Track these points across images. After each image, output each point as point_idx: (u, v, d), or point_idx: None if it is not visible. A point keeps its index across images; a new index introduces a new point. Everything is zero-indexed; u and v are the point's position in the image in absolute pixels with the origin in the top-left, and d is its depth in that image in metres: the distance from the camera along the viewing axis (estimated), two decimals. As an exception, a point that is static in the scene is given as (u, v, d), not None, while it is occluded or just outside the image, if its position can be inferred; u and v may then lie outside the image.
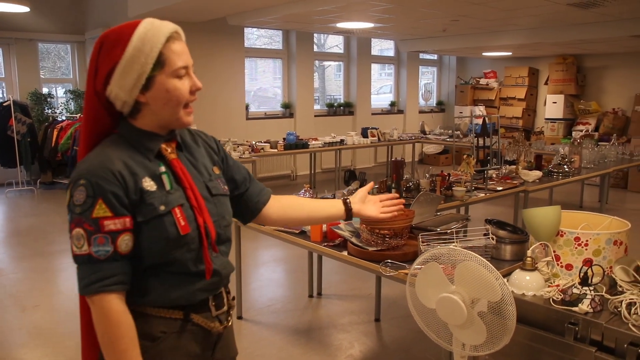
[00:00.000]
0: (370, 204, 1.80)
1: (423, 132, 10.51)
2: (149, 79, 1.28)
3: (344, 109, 10.67)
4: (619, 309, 1.97)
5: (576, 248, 2.24)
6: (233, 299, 1.56)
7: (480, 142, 4.98)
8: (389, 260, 2.59)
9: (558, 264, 2.29)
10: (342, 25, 7.77)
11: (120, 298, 1.27)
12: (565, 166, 5.47)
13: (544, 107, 10.99)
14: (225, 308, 1.49)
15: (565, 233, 2.27)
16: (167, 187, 1.33)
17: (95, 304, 1.25)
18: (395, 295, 4.18)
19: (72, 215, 1.25)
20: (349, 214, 1.76)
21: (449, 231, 2.73)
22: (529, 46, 9.14)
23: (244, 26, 8.50)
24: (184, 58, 1.32)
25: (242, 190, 1.62)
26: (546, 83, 11.02)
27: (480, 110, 11.35)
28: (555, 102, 10.61)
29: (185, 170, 1.39)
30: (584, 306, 2.00)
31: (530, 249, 2.28)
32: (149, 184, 1.30)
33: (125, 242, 1.26)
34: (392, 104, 11.87)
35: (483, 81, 11.85)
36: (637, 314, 1.91)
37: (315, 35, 10.04)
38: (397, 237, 2.73)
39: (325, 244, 2.97)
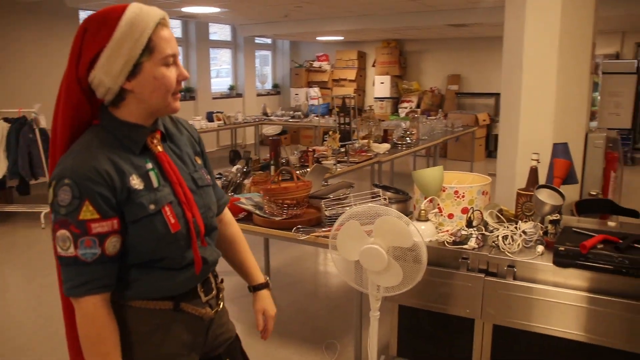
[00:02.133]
0: (259, 314, 1.70)
1: (265, 114, 10.84)
2: (137, 65, 1.22)
3: (185, 94, 10.59)
4: (496, 242, 2.49)
5: (456, 200, 2.74)
6: (221, 281, 1.56)
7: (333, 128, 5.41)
8: (300, 226, 2.87)
9: (442, 215, 2.77)
10: (187, 9, 7.74)
11: (106, 300, 1.26)
12: (407, 138, 6.20)
13: (373, 87, 11.99)
14: (214, 292, 1.49)
15: (446, 188, 2.75)
16: (155, 184, 1.29)
17: (81, 306, 1.23)
18: (279, 264, 4.48)
19: (57, 216, 1.20)
20: (259, 287, 1.69)
21: (344, 196, 3.10)
22: (358, 31, 9.91)
23: (79, 8, 8.02)
24: (172, 46, 1.27)
25: None
26: (374, 65, 12.02)
27: (314, 91, 12.01)
28: (383, 83, 11.65)
29: (172, 163, 1.35)
30: (472, 243, 2.49)
31: (423, 203, 2.73)
32: (136, 182, 1.26)
33: (112, 244, 1.23)
34: (231, 88, 12.02)
35: (316, 64, 12.52)
36: (510, 243, 2.44)
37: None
38: (298, 205, 3.02)
39: (231, 218, 3.15)
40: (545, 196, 2.49)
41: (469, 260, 2.45)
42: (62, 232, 1.19)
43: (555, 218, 2.45)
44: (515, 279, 2.35)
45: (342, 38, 11.47)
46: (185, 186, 1.35)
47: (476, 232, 2.53)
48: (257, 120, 10.12)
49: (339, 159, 5.13)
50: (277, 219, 2.98)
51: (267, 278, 1.73)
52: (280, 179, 3.23)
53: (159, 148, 1.34)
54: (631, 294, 2.16)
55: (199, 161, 1.47)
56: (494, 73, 10.86)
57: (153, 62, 1.24)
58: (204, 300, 1.44)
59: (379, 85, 11.75)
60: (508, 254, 2.41)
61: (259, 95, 12.67)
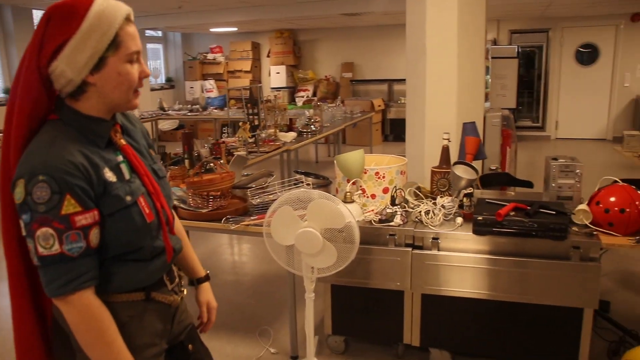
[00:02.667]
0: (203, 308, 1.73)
1: (162, 108, 10.54)
2: (102, 59, 1.21)
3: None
4: (419, 218, 2.67)
5: (377, 180, 2.89)
6: (179, 269, 1.59)
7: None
8: (229, 216, 2.90)
9: (365, 195, 2.92)
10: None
11: (94, 292, 1.24)
12: (312, 126, 6.34)
13: (269, 78, 12.02)
14: (177, 280, 1.51)
15: (368, 170, 2.89)
16: (127, 176, 1.30)
17: (74, 303, 1.20)
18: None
19: (34, 215, 1.16)
20: (201, 280, 1.70)
21: (266, 184, 3.16)
22: (252, 22, 9.89)
23: None
24: (137, 43, 1.27)
25: None
26: (268, 55, 12.05)
27: (210, 84, 11.86)
28: (279, 73, 11.72)
29: (137, 156, 1.36)
30: (397, 220, 2.65)
31: (348, 186, 2.85)
32: (109, 175, 1.26)
33: (95, 236, 1.22)
34: (122, 83, 11.54)
35: (210, 56, 12.32)
36: (432, 217, 2.64)
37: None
38: (223, 197, 3.04)
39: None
40: (461, 171, 2.70)
41: (396, 236, 2.61)
42: (44, 230, 1.16)
43: (469, 191, 2.67)
44: (439, 250, 2.54)
45: (235, 29, 11.37)
46: (152, 178, 1.37)
47: (400, 210, 2.70)
48: (154, 115, 9.82)
49: (250, 150, 5.16)
50: (204, 211, 2.98)
51: (208, 272, 1.74)
52: (202, 171, 3.22)
53: (123, 141, 1.35)
54: (540, 254, 2.42)
55: (153, 153, 1.49)
56: (386, 60, 11.31)
57: (118, 57, 1.23)
58: (170, 288, 1.47)
59: (275, 76, 11.80)
60: (431, 227, 2.60)
61: (152, 89, 12.27)
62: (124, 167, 1.30)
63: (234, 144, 5.14)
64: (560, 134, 10.56)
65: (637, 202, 2.46)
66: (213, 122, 9.39)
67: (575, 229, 2.45)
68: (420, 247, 2.59)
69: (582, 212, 2.47)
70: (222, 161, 4.27)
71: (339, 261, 2.34)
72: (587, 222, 2.46)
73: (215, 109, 9.69)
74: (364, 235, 2.65)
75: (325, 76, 11.79)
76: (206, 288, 1.72)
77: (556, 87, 10.41)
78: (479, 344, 2.64)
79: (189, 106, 10.12)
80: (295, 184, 3.25)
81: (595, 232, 2.44)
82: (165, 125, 11.82)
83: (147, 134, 1.52)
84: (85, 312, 1.22)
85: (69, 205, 1.17)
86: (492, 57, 7.78)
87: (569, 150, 9.07)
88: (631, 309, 3.39)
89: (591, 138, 10.34)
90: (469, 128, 2.99)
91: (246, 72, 12.06)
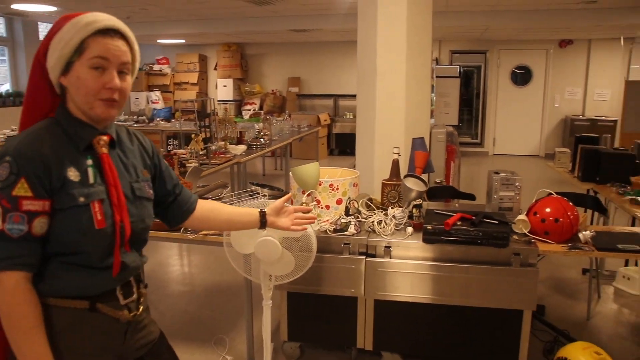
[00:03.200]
0: (284, 215, 1.94)
1: (105, 119, 10.35)
2: (69, 63, 1.30)
3: (14, 99, 9.71)
4: (372, 227, 2.81)
5: (331, 192, 3.02)
6: (145, 286, 1.57)
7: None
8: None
9: (320, 206, 3.03)
10: (17, 6, 7.15)
11: (28, 278, 1.26)
12: (261, 139, 6.42)
13: (216, 90, 12.03)
14: (134, 296, 1.49)
15: (322, 182, 3.02)
16: (91, 180, 1.34)
17: (3, 282, 1.24)
18: (146, 269, 4.44)
19: None
20: (263, 224, 1.87)
21: (222, 195, 3.23)
22: (200, 34, 9.91)
23: None
24: (107, 51, 1.30)
25: (172, 198, 1.64)
26: (215, 68, 12.06)
27: (156, 95, 11.73)
28: (225, 86, 11.75)
29: (113, 166, 1.39)
30: (351, 230, 2.78)
31: (304, 197, 2.96)
32: (73, 174, 1.30)
33: (40, 225, 1.26)
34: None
35: (156, 67, 12.22)
36: (384, 227, 2.78)
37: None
38: (180, 207, 3.09)
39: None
40: (412, 184, 2.87)
41: (350, 245, 2.74)
42: None
43: (418, 203, 2.84)
44: (391, 257, 2.69)
45: (183, 41, 11.33)
46: (120, 190, 1.38)
47: (354, 220, 2.84)
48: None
49: (201, 162, 5.19)
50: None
51: (260, 209, 1.86)
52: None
53: (104, 150, 1.38)
54: (483, 261, 2.61)
55: (147, 174, 1.52)
56: (332, 75, 11.55)
57: (81, 62, 1.30)
58: (122, 302, 1.44)
59: (222, 88, 11.82)
60: (383, 236, 2.74)
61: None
62: (90, 171, 1.34)
63: (185, 155, 5.16)
64: (497, 150, 11.09)
65: (569, 213, 2.69)
66: (160, 134, 9.32)
67: (515, 237, 2.66)
68: (373, 255, 2.72)
69: (521, 222, 2.68)
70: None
71: (296, 269, 2.43)
72: (525, 231, 2.67)
73: (162, 120, 9.61)
74: (320, 244, 2.75)
75: (272, 90, 11.91)
76: (272, 212, 1.91)
77: (493, 106, 10.94)
78: (427, 347, 2.79)
79: (135, 117, 9.99)
80: (250, 195, 3.35)
81: (533, 240, 2.65)
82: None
83: (152, 155, 1.56)
84: (9, 292, 1.24)
85: (21, 189, 1.24)
86: (437, 76, 8.14)
87: (505, 165, 9.53)
88: (563, 311, 3.65)
89: (526, 154, 10.92)
90: (418, 143, 3.18)
91: (193, 84, 12.02)
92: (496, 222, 2.67)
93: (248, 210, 1.87)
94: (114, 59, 1.32)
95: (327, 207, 3.03)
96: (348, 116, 11.00)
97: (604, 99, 10.35)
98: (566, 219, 2.68)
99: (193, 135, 4.89)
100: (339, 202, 3.02)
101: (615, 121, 9.90)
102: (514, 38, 10.32)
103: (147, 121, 9.59)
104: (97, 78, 1.31)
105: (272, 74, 12.07)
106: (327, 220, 2.92)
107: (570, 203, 2.76)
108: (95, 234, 1.31)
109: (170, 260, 4.90)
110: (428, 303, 2.69)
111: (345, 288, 2.76)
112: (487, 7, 7.34)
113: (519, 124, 10.88)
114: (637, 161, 3.86)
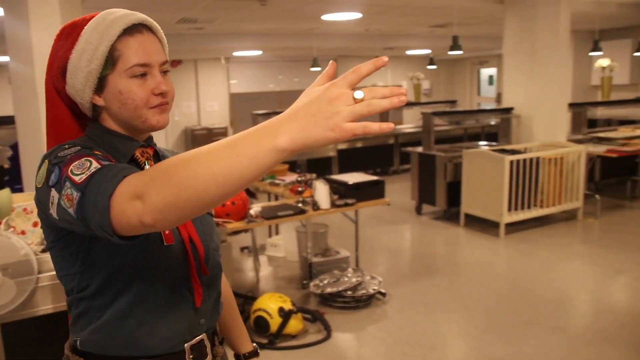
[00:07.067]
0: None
1: None
2: (102, 78, 1.05)
3: None
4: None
5: (26, 216, 3.05)
6: (221, 342, 1.26)
7: None
8: None
9: (16, 232, 3.02)
10: None
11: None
12: None
13: None
14: (209, 357, 1.19)
15: (15, 208, 3.01)
16: None
17: (130, 186, 0.86)
18: None
19: (61, 164, 0.94)
20: (249, 356, 1.42)
21: None
22: None
23: None
24: (142, 54, 1.06)
25: None
26: None
27: None
28: None
29: None
30: (62, 245, 2.90)
31: (2, 226, 2.90)
32: None
33: None
34: None
35: None
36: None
37: None
38: None
39: None
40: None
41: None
42: (76, 163, 0.93)
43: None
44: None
45: None
46: None
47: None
48: None
49: None
50: None
51: (256, 346, 1.43)
52: None
53: (151, 163, 1.14)
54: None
55: None
56: None
57: (117, 74, 1.05)
58: None
59: None
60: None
61: None
62: None
63: None
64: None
65: (241, 196, 3.45)
66: None
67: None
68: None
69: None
70: None
71: (17, 294, 2.48)
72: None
73: None
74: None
75: None
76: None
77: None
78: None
79: None
80: None
81: (220, 222, 3.30)
82: None
83: None
84: (152, 171, 0.85)
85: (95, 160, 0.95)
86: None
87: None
88: (240, 283, 4.45)
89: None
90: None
91: None
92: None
93: (247, 335, 1.46)
94: (152, 59, 1.08)
95: (23, 232, 3.04)
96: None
97: (214, 109, 11.90)
98: (239, 201, 3.42)
99: None
100: (35, 224, 3.06)
101: (226, 128, 11.53)
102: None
103: None
104: (142, 86, 1.06)
105: None
106: (32, 243, 2.95)
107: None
108: (164, 252, 1.07)
109: None
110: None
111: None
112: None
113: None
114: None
